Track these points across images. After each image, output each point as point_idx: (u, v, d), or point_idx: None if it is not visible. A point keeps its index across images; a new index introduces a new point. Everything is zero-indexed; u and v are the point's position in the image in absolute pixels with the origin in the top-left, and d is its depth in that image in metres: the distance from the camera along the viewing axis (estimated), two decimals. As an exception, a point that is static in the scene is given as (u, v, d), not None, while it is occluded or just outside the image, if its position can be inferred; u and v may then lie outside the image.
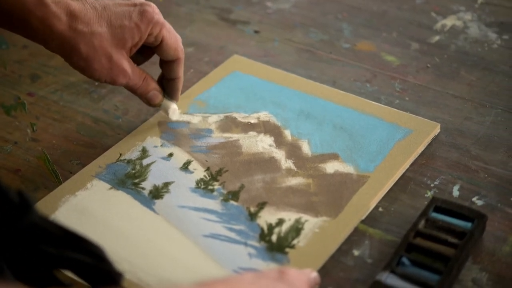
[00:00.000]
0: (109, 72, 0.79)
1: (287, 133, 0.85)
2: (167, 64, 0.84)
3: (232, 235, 0.73)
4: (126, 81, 0.81)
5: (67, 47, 0.77)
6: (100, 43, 0.77)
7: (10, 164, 0.84)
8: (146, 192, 0.78)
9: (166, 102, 0.86)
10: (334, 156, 0.81)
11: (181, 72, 0.85)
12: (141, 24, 0.79)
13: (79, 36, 0.76)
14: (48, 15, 0.75)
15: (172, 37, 0.82)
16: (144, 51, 0.84)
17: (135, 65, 0.82)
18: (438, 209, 0.72)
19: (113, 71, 0.79)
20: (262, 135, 0.85)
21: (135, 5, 0.80)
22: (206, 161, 0.82)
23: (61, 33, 0.76)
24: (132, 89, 0.83)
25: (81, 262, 0.56)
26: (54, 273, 0.58)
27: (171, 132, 0.86)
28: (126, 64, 0.80)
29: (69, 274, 0.59)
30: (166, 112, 0.86)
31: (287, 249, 0.71)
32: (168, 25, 0.82)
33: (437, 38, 1.01)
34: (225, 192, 0.78)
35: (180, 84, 0.86)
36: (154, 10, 0.80)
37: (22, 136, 0.88)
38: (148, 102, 0.85)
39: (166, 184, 0.79)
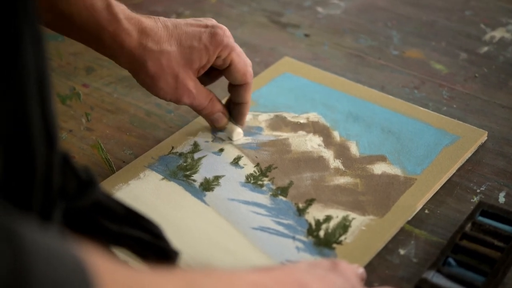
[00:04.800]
0: (174, 91, 0.79)
1: (336, 134, 0.86)
2: (234, 88, 0.84)
3: (281, 228, 0.74)
4: (190, 101, 0.81)
5: (135, 64, 0.77)
6: (168, 62, 0.77)
7: (65, 151, 0.87)
8: (197, 184, 0.80)
9: (230, 125, 0.86)
10: (381, 158, 0.82)
11: (248, 97, 0.84)
12: (210, 46, 0.78)
13: (147, 54, 0.76)
14: (120, 32, 0.75)
15: (241, 62, 0.81)
16: (212, 73, 0.84)
17: (202, 86, 0.82)
18: (484, 214, 0.73)
19: (178, 91, 0.79)
20: (311, 134, 0.86)
21: (206, 26, 0.80)
22: (256, 157, 0.83)
23: (131, 50, 0.76)
24: (197, 110, 0.83)
25: (139, 239, 0.58)
26: (112, 250, 0.60)
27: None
28: (192, 85, 0.80)
29: (124, 253, 0.61)
30: (230, 135, 0.86)
31: (334, 245, 0.72)
32: (238, 49, 0.81)
33: (485, 49, 1.03)
34: (274, 187, 0.79)
35: (247, 109, 0.85)
36: (225, 33, 0.79)
37: (77, 125, 0.91)
38: (213, 124, 0.85)
39: (217, 178, 0.81)
